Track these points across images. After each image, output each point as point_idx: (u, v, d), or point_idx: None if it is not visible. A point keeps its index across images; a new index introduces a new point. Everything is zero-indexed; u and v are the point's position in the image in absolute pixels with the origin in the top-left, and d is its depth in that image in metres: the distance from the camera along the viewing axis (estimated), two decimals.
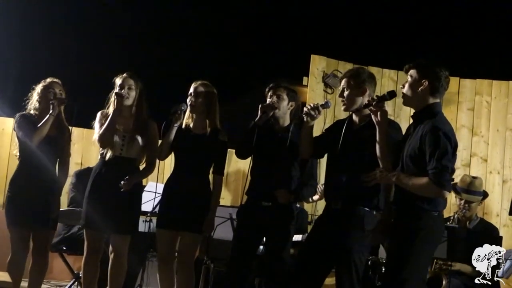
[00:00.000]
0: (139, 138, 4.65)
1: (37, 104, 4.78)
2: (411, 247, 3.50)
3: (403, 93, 3.68)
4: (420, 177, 3.49)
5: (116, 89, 4.64)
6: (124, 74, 4.70)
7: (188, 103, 4.61)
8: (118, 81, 4.69)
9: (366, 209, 3.91)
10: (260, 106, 4.45)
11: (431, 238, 3.59)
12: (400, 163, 3.65)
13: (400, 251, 3.54)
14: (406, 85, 3.66)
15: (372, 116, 3.73)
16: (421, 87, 3.59)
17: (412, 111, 3.76)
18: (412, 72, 3.64)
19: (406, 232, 3.54)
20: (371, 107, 3.70)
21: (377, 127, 3.72)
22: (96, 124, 4.70)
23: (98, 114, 4.72)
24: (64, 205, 5.38)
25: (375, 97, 3.73)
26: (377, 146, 3.74)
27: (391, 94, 3.69)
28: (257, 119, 4.42)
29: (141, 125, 4.68)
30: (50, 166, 4.72)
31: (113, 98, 4.63)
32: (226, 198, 6.96)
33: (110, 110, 4.63)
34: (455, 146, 3.52)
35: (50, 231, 4.86)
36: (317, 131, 4.27)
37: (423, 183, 3.46)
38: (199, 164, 4.60)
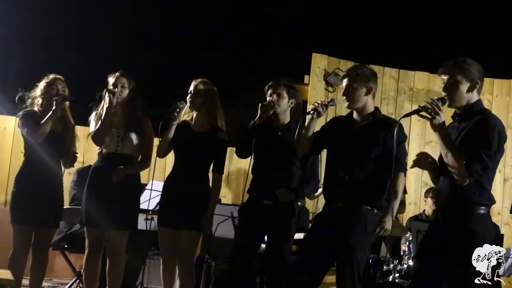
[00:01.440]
0: (134, 135, 4.68)
1: (40, 101, 4.79)
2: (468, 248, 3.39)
3: (445, 95, 3.56)
4: (460, 156, 3.39)
5: (109, 87, 4.65)
6: (117, 73, 4.72)
7: (188, 102, 4.62)
8: (111, 79, 4.71)
9: (369, 208, 3.90)
10: (260, 105, 4.44)
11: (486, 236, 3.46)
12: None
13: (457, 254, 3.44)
14: (454, 87, 3.53)
15: (429, 123, 3.52)
16: (475, 89, 3.52)
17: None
18: (450, 72, 3.55)
19: (458, 233, 3.44)
20: (425, 112, 3.48)
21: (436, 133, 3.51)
22: (91, 122, 4.73)
23: (93, 112, 4.74)
24: (65, 203, 5.38)
25: (434, 98, 3.53)
26: (442, 153, 3.54)
27: (444, 100, 3.54)
28: (257, 118, 4.42)
29: (135, 122, 4.70)
30: (54, 164, 4.73)
31: (105, 95, 4.64)
32: (227, 196, 6.97)
33: (103, 108, 4.65)
34: (499, 144, 3.44)
35: (52, 228, 4.87)
36: (317, 128, 4.28)
37: (458, 160, 3.37)
38: (199, 162, 4.60)
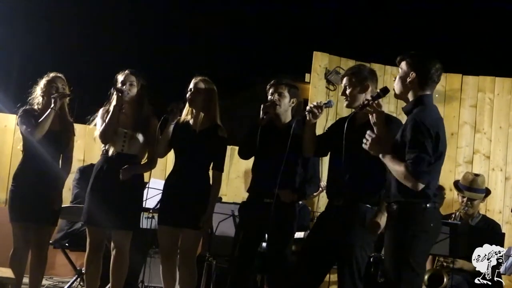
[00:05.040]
0: (140, 135, 4.66)
1: (40, 99, 4.79)
2: (403, 244, 3.44)
3: (394, 86, 3.64)
4: (401, 162, 3.43)
5: (117, 85, 4.64)
6: (126, 71, 4.70)
7: (188, 99, 4.61)
8: (120, 77, 4.70)
9: (368, 206, 3.91)
10: (262, 106, 4.43)
11: (423, 234, 3.47)
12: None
13: (394, 249, 3.49)
14: (397, 78, 3.61)
15: (370, 117, 3.68)
16: (409, 79, 3.53)
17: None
18: (402, 64, 3.59)
19: (398, 228, 3.49)
20: (367, 108, 3.64)
21: (374, 128, 3.65)
22: (98, 120, 4.71)
23: (100, 111, 4.73)
24: (67, 201, 5.38)
25: (369, 98, 3.67)
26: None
27: (384, 91, 3.64)
28: (259, 119, 4.42)
29: (142, 121, 4.68)
30: (53, 161, 4.73)
31: (114, 94, 4.63)
32: (228, 195, 6.97)
33: (111, 106, 4.63)
34: (435, 137, 3.43)
35: (51, 227, 4.87)
36: (319, 128, 4.28)
37: (400, 169, 3.42)
38: (199, 160, 4.60)
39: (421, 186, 3.39)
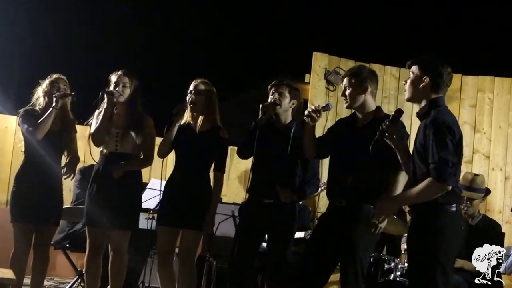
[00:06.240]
0: (133, 134, 4.67)
1: (42, 99, 4.80)
2: (433, 249, 3.39)
3: (405, 89, 3.65)
4: (419, 185, 3.41)
5: (110, 87, 4.65)
6: (119, 72, 4.71)
7: (189, 101, 4.62)
8: (113, 78, 4.70)
9: (371, 206, 3.90)
10: (261, 106, 4.45)
11: (450, 237, 3.43)
12: (411, 165, 3.58)
13: (423, 254, 3.43)
14: (408, 82, 3.62)
15: (388, 142, 3.62)
16: (423, 83, 3.54)
17: (415, 108, 3.75)
18: (414, 68, 3.60)
19: (424, 233, 3.44)
20: (386, 134, 3.59)
21: (394, 146, 3.64)
22: (94, 121, 4.72)
23: (96, 112, 4.74)
24: (67, 202, 5.39)
25: (387, 123, 3.60)
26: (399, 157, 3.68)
27: (400, 112, 3.63)
28: (258, 119, 4.43)
29: (135, 121, 4.70)
30: (54, 162, 4.74)
31: (104, 96, 4.63)
32: (228, 195, 6.97)
33: (103, 108, 4.65)
34: (459, 138, 3.44)
35: (52, 227, 4.88)
36: (319, 129, 4.28)
37: (424, 185, 3.38)
38: (200, 161, 4.61)
39: (448, 188, 3.37)
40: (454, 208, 3.45)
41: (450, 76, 3.59)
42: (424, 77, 3.54)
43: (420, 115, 3.60)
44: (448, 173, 3.36)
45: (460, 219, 3.52)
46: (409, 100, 3.67)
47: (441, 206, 3.43)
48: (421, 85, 3.55)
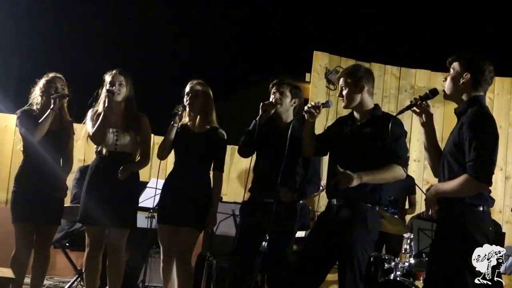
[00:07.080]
0: (131, 133, 4.68)
1: (39, 99, 4.79)
2: (463, 251, 3.32)
3: (445, 86, 3.57)
4: (454, 180, 3.34)
5: (107, 86, 4.64)
6: (114, 71, 4.70)
7: (186, 103, 4.63)
8: (108, 78, 4.70)
9: (369, 205, 3.91)
10: (261, 104, 4.46)
11: (479, 239, 3.36)
12: (442, 161, 3.53)
13: (452, 256, 3.37)
14: (448, 78, 3.54)
15: (418, 118, 3.61)
16: (463, 79, 3.46)
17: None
18: (455, 64, 3.52)
19: (453, 235, 3.38)
20: (415, 108, 3.57)
21: (423, 129, 3.60)
22: (88, 121, 4.71)
23: (89, 112, 4.73)
24: (66, 201, 5.38)
25: (417, 97, 3.58)
26: (425, 150, 3.64)
27: (434, 93, 3.58)
28: (258, 117, 4.43)
29: (132, 120, 4.70)
30: (53, 162, 4.74)
31: (103, 95, 4.63)
32: (228, 194, 6.97)
33: (100, 107, 4.64)
34: (495, 137, 3.41)
35: (53, 226, 4.88)
36: (319, 128, 4.28)
37: (460, 181, 3.32)
38: (199, 161, 4.63)
39: (484, 187, 3.34)
40: (482, 208, 3.40)
41: (491, 74, 3.52)
42: (465, 73, 3.47)
43: (457, 113, 3.54)
44: (487, 171, 3.33)
45: (489, 220, 3.47)
46: (447, 97, 3.57)
47: (469, 206, 3.38)
48: (461, 81, 3.48)
